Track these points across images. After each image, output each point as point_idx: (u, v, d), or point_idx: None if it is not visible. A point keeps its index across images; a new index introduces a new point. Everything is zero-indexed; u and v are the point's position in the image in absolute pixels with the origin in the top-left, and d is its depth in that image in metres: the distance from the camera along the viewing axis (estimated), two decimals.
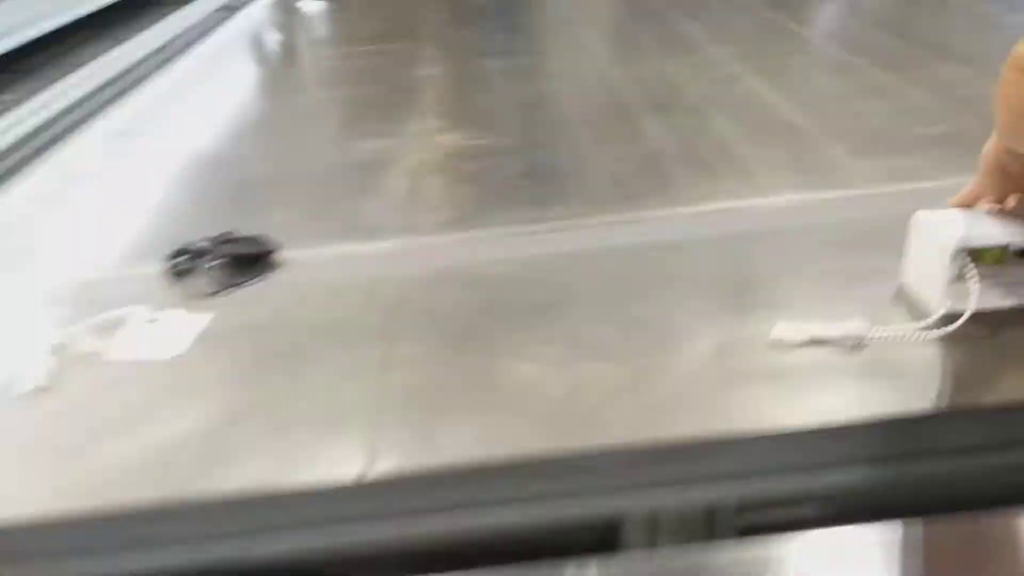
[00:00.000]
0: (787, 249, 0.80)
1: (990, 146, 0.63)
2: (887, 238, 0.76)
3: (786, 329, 0.65)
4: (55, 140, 1.27)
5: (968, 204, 0.68)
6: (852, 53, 1.48)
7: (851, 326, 0.64)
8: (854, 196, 0.92)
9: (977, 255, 0.64)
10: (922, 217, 0.68)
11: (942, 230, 0.65)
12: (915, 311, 0.67)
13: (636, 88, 1.37)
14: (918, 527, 0.57)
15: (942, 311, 0.65)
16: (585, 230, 0.88)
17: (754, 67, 1.41)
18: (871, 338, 0.64)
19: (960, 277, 0.65)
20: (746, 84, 1.34)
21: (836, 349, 0.63)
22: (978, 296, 0.63)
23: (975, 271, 0.64)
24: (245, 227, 0.85)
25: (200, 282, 0.79)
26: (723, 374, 0.62)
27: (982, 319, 0.63)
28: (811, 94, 1.28)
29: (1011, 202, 0.66)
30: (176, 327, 0.71)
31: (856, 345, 0.63)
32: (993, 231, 0.64)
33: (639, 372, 0.63)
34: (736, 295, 0.73)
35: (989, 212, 0.66)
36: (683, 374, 0.63)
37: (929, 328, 0.64)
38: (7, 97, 1.41)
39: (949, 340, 0.63)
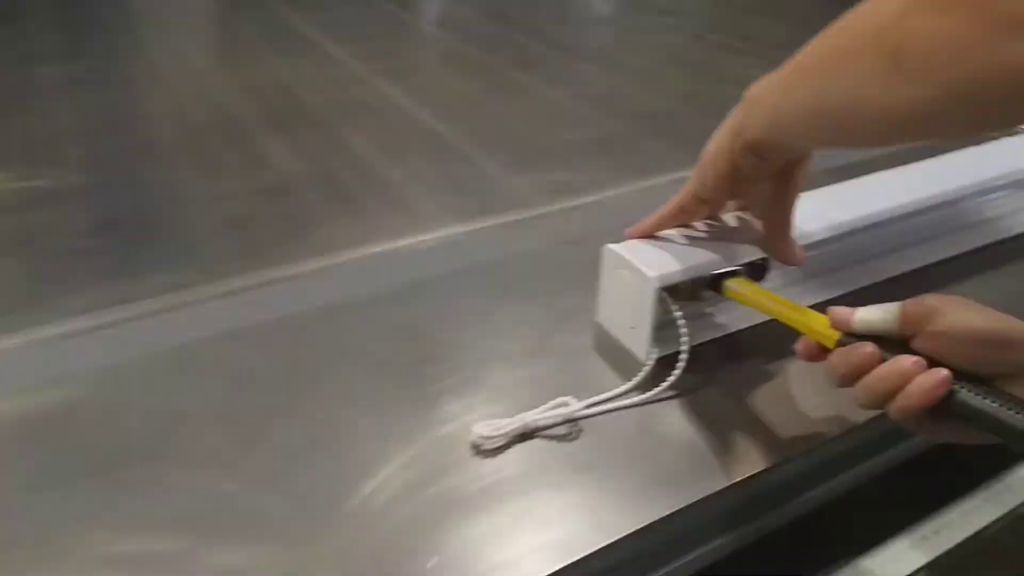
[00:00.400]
0: (463, 299, 0.64)
1: (721, 145, 0.52)
2: (567, 269, 0.67)
3: (486, 428, 0.50)
4: None
5: (661, 226, 0.59)
6: (482, 50, 1.39)
7: (558, 412, 0.52)
8: (522, 220, 0.79)
9: (673, 291, 0.55)
10: (614, 253, 0.58)
11: (638, 270, 0.55)
12: (619, 356, 0.58)
13: (247, 98, 1.12)
14: None
15: (651, 362, 0.56)
16: (195, 308, 0.63)
17: (382, 68, 1.25)
18: (583, 415, 0.53)
19: (662, 319, 0.56)
20: (377, 89, 1.16)
21: (550, 438, 0.50)
22: (687, 339, 0.55)
23: (679, 312, 0.55)
24: None
25: None
26: (419, 512, 0.44)
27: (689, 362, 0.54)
28: (450, 98, 1.15)
29: (700, 227, 0.60)
30: None
31: (570, 432, 0.51)
32: (688, 264, 0.55)
33: (301, 560, 0.42)
34: (414, 378, 0.55)
35: (675, 239, 0.58)
36: (362, 530, 0.43)
37: (644, 387, 0.55)
38: None
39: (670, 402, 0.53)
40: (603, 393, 0.53)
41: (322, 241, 0.74)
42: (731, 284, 0.56)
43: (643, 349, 0.56)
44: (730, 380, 0.56)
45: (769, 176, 0.54)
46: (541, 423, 0.51)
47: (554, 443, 0.50)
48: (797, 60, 0.45)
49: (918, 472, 0.62)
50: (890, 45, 0.37)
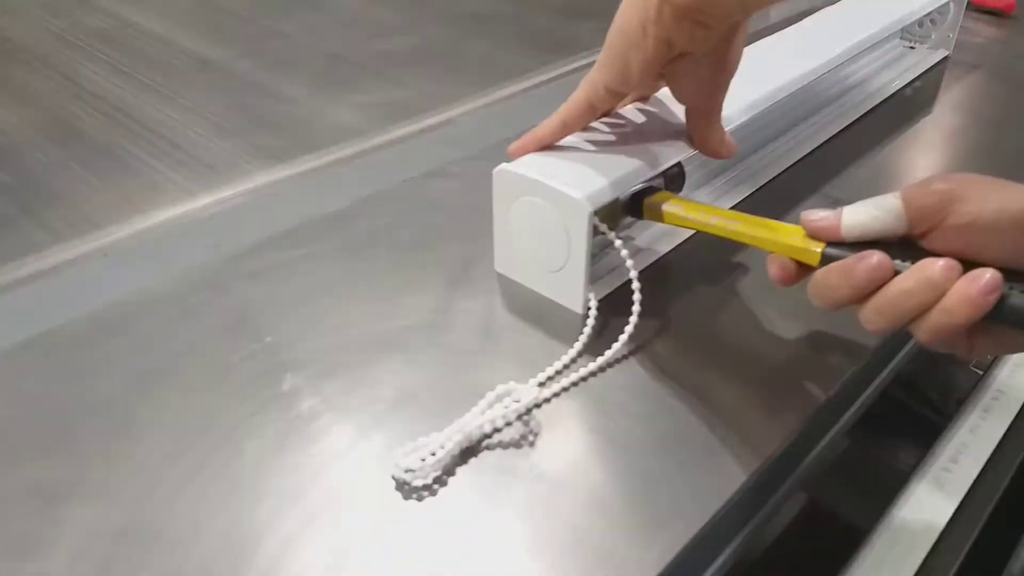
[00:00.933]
0: (307, 271, 0.45)
1: (645, 19, 0.38)
2: (436, 210, 0.52)
3: (411, 457, 0.34)
4: None
5: (564, 131, 0.44)
6: None
7: (505, 409, 0.36)
8: (355, 155, 0.60)
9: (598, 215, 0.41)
10: (513, 176, 0.42)
11: (557, 192, 0.40)
12: (542, 312, 0.43)
13: None
14: None
15: (592, 312, 0.42)
16: None
17: None
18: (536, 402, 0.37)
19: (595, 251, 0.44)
20: (114, 12, 0.89)
21: (503, 447, 0.34)
22: (635, 273, 0.41)
23: (617, 238, 0.42)
24: None
25: None
26: None
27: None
28: (213, 16, 0.90)
29: (601, 127, 0.46)
30: None
31: (526, 433, 0.36)
32: (613, 176, 0.41)
33: None
34: (272, 394, 0.37)
35: (578, 146, 0.44)
36: None
37: (592, 348, 0.40)
38: None
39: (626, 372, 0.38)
40: (545, 368, 0.38)
41: (75, 217, 0.51)
42: (665, 205, 0.43)
43: (578, 297, 0.42)
44: (685, 321, 0.42)
45: (708, 50, 0.40)
46: (486, 428, 0.35)
47: (511, 454, 0.34)
48: None
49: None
50: None
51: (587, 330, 0.40)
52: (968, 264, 0.31)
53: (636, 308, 0.40)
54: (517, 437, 0.35)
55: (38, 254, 0.48)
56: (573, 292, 0.42)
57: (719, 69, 0.41)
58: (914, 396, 0.60)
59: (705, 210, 0.41)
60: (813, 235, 0.35)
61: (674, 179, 0.47)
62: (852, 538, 0.42)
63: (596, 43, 0.81)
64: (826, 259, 0.35)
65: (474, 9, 0.92)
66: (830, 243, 0.35)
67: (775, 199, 0.53)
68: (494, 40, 0.82)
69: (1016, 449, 0.48)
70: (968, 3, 0.86)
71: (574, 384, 0.38)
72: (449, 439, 0.33)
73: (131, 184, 0.56)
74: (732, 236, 0.40)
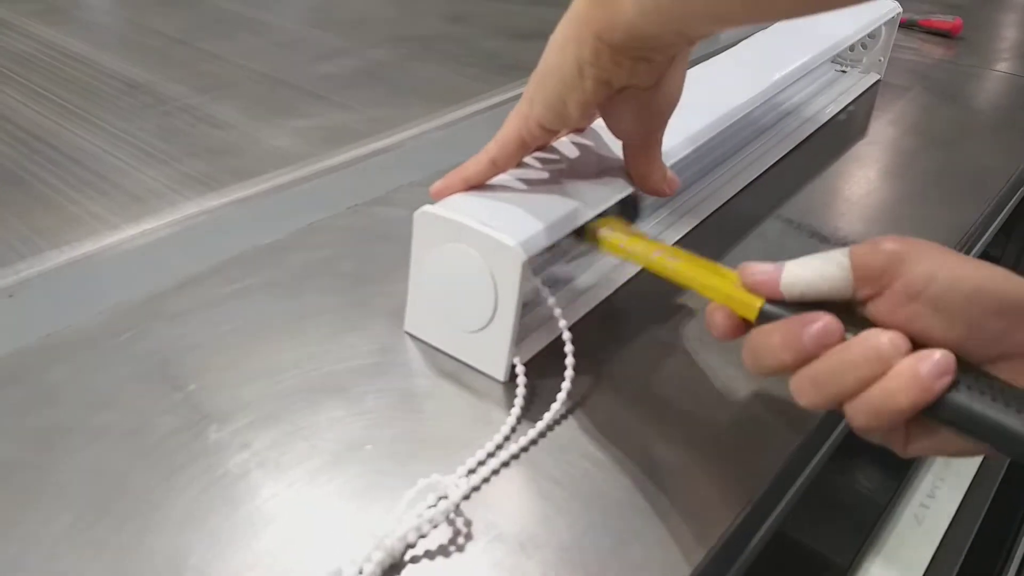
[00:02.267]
0: (231, 315, 0.41)
1: (580, 57, 0.35)
2: (384, 243, 0.47)
3: None
4: None
5: (495, 170, 0.40)
6: None
7: (433, 509, 0.30)
8: (292, 182, 0.56)
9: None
10: (435, 219, 0.37)
11: (488, 238, 0.35)
12: (455, 380, 0.38)
13: None
14: None
15: (521, 380, 0.37)
16: None
17: (35, 9, 0.91)
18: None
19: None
20: (31, 33, 0.84)
21: (431, 557, 0.30)
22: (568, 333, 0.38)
23: (550, 296, 0.38)
24: None
25: None
26: None
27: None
28: (140, 38, 0.85)
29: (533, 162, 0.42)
30: None
31: (456, 536, 0.31)
32: (549, 218, 0.37)
33: None
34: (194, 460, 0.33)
35: (507, 184, 0.40)
36: None
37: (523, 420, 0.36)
38: None
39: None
40: (470, 454, 0.33)
41: None
42: (603, 231, 0.39)
43: (501, 362, 0.37)
44: (626, 374, 0.39)
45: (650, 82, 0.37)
46: (410, 538, 0.30)
47: (444, 565, 0.30)
48: None
49: None
50: None
51: (517, 402, 0.36)
52: (913, 343, 0.28)
53: (569, 373, 0.37)
54: (446, 542, 0.30)
55: None
56: (497, 356, 0.37)
57: (659, 101, 0.38)
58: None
59: (646, 243, 0.38)
60: (751, 289, 0.32)
61: (626, 206, 0.44)
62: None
63: None
64: (764, 316, 0.31)
65: (420, 31, 0.89)
66: (770, 300, 0.31)
67: (719, 231, 0.51)
68: (441, 63, 0.79)
69: (991, 479, 0.47)
70: (916, 25, 0.86)
71: (505, 464, 0.34)
72: (368, 560, 0.28)
73: (43, 216, 0.51)
74: (671, 276, 0.36)
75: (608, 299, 0.44)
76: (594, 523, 0.31)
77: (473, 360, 0.38)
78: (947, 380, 0.27)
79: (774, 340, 0.30)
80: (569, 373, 0.37)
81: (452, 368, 0.38)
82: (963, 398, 0.27)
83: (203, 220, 0.51)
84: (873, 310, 0.29)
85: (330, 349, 0.39)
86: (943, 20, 0.85)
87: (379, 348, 0.39)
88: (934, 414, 0.27)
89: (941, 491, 0.44)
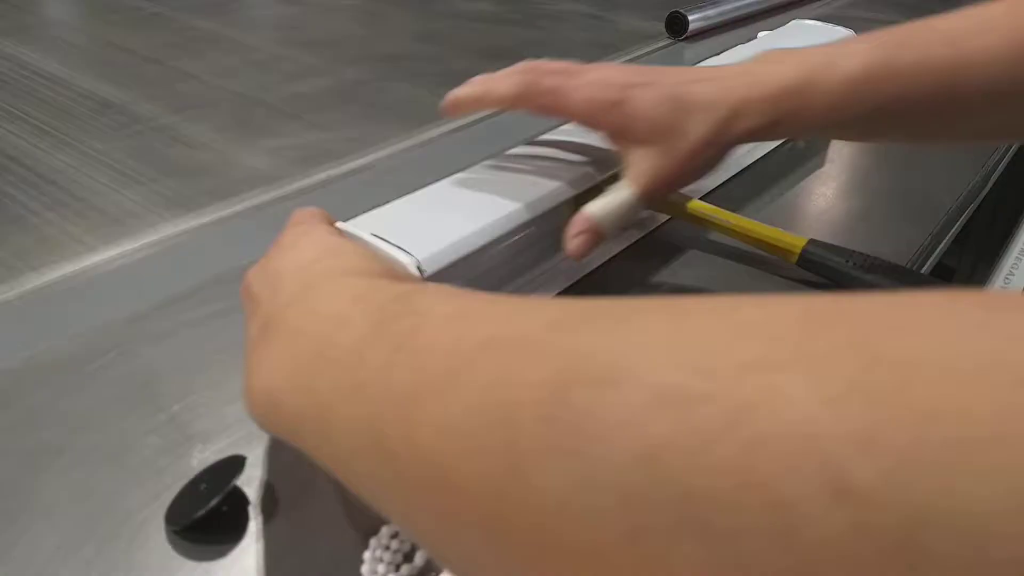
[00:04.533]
0: (215, 334, 0.42)
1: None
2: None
3: None
4: None
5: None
6: None
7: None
8: (270, 202, 0.57)
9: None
10: (349, 234, 0.38)
11: (387, 254, 0.37)
12: None
13: None
14: None
15: None
16: None
17: (5, 25, 0.91)
18: None
19: None
20: (2, 51, 0.83)
21: None
22: None
23: None
24: None
25: None
26: None
27: None
28: (114, 56, 0.86)
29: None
30: None
31: None
32: (464, 233, 0.39)
33: None
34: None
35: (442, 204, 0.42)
36: None
37: None
38: None
39: None
40: None
41: None
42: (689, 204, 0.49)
43: None
44: None
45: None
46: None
47: None
48: None
49: None
50: None
51: None
52: None
53: None
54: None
55: None
56: None
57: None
58: None
59: (712, 211, 0.49)
60: (583, 250, 0.39)
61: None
62: None
63: None
64: (805, 257, 0.47)
65: (391, 51, 0.90)
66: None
67: (664, 245, 0.53)
68: (413, 82, 0.80)
69: None
70: None
71: None
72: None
73: (20, 238, 0.51)
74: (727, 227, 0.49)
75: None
76: None
77: None
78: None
79: None
80: None
81: None
82: None
83: (182, 241, 0.52)
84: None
85: None
86: None
87: None
88: None
89: None
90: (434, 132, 0.68)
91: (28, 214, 0.54)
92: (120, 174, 0.60)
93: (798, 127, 0.38)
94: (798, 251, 0.47)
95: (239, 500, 0.33)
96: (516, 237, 0.40)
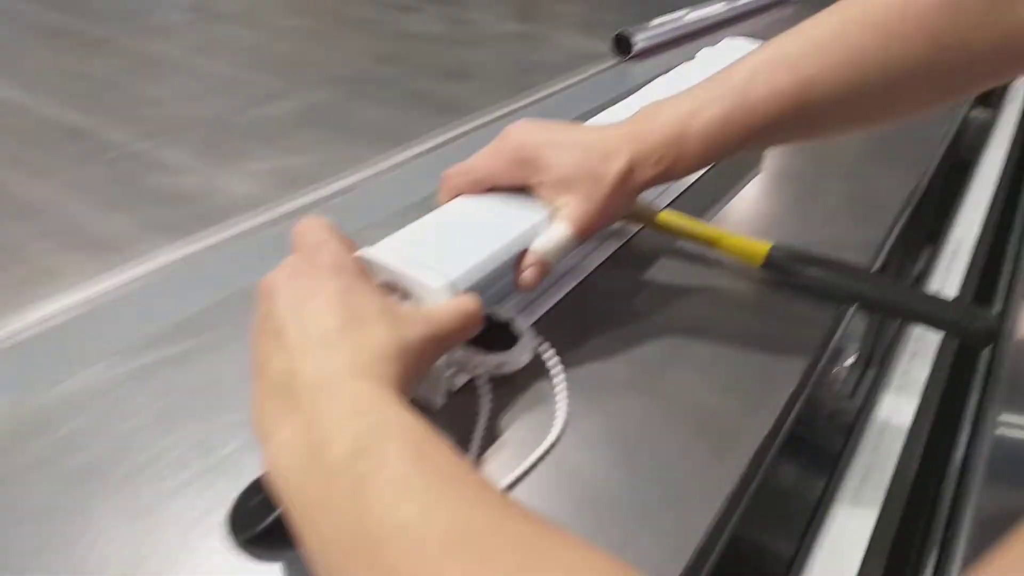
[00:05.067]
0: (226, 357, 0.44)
1: None
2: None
3: None
4: None
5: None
6: (83, 18, 1.07)
7: None
8: (258, 227, 0.59)
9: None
10: (373, 263, 0.40)
11: (414, 279, 0.39)
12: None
13: None
14: None
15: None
16: None
17: None
18: None
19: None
20: None
21: None
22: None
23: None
24: None
25: None
26: None
27: None
28: (70, 82, 0.85)
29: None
30: None
31: None
32: (487, 253, 0.42)
33: None
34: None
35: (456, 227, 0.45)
36: None
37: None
38: None
39: None
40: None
41: None
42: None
43: (440, 388, 0.41)
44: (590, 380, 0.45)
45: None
46: None
47: None
48: None
49: None
50: None
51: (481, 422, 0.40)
52: None
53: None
54: None
55: None
56: (431, 385, 0.41)
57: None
58: (808, 430, 0.66)
59: (682, 220, 0.54)
60: (533, 283, 0.44)
61: None
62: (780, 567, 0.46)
63: (480, 105, 0.84)
64: (769, 260, 0.51)
65: (351, 73, 0.92)
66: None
67: (645, 248, 0.57)
68: (377, 104, 0.83)
69: (910, 463, 0.54)
70: None
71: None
72: None
73: (16, 269, 0.52)
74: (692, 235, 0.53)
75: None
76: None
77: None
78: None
79: None
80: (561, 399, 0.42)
81: None
82: None
83: (182, 267, 0.53)
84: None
85: None
86: None
87: None
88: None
89: (870, 479, 0.51)
90: (408, 153, 0.71)
91: (19, 245, 0.55)
92: (105, 202, 0.61)
93: (683, 169, 0.45)
94: (763, 255, 0.52)
95: None
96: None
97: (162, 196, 0.62)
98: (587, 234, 0.46)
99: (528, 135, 0.46)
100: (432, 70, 0.93)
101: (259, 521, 0.33)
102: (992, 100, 1.06)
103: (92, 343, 0.45)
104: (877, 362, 0.73)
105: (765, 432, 0.41)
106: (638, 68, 0.95)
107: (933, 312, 0.47)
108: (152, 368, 0.43)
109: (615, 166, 0.45)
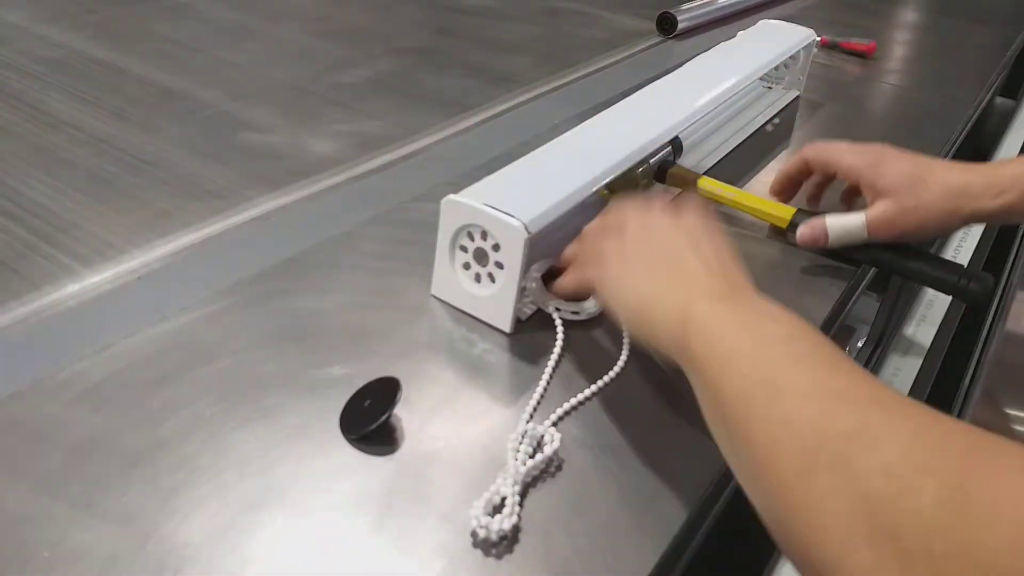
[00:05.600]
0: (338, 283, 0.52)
1: None
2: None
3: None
4: None
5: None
6: None
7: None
8: (344, 183, 0.66)
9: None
10: (459, 203, 0.48)
11: (495, 218, 0.47)
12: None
13: None
14: None
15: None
16: None
17: (50, 15, 0.97)
18: None
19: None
20: (60, 44, 0.90)
21: None
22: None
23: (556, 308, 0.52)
24: None
25: None
26: None
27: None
28: (161, 46, 0.93)
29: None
30: None
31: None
32: (556, 199, 0.50)
33: None
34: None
35: (534, 173, 0.54)
36: None
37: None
38: None
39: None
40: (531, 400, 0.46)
41: (97, 243, 0.55)
42: (697, 181, 0.62)
43: (507, 316, 0.49)
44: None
45: None
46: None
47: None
48: None
49: None
50: None
51: (556, 350, 0.48)
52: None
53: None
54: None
55: (73, 282, 0.52)
56: (504, 312, 0.49)
57: None
58: None
59: (718, 186, 0.62)
60: (806, 245, 0.56)
61: (677, 148, 0.63)
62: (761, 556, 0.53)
63: (533, 77, 0.90)
64: (792, 224, 0.59)
65: (413, 44, 0.99)
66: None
67: None
68: (440, 73, 0.90)
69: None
70: (836, 46, 1.02)
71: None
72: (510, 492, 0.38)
73: (135, 214, 0.60)
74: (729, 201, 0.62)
75: None
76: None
77: (485, 316, 0.50)
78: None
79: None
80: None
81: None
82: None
83: (278, 215, 0.61)
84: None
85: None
86: (860, 43, 1.01)
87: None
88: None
89: None
90: (471, 120, 0.78)
91: (137, 191, 0.63)
92: (203, 155, 0.69)
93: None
94: (788, 218, 0.59)
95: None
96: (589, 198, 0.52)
97: (255, 152, 0.70)
98: (881, 232, 0.52)
99: (899, 152, 0.54)
100: (486, 44, 1.00)
101: (371, 422, 0.41)
102: (1016, 90, 1.11)
103: (208, 277, 0.53)
104: (886, 342, 0.80)
105: None
106: (679, 47, 1.01)
107: (935, 273, 0.54)
108: (263, 297, 0.51)
109: (941, 178, 0.50)
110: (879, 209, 0.52)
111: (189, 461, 0.39)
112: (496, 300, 0.49)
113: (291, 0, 1.14)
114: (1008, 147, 0.95)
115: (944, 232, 0.55)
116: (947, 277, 0.54)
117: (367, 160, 0.69)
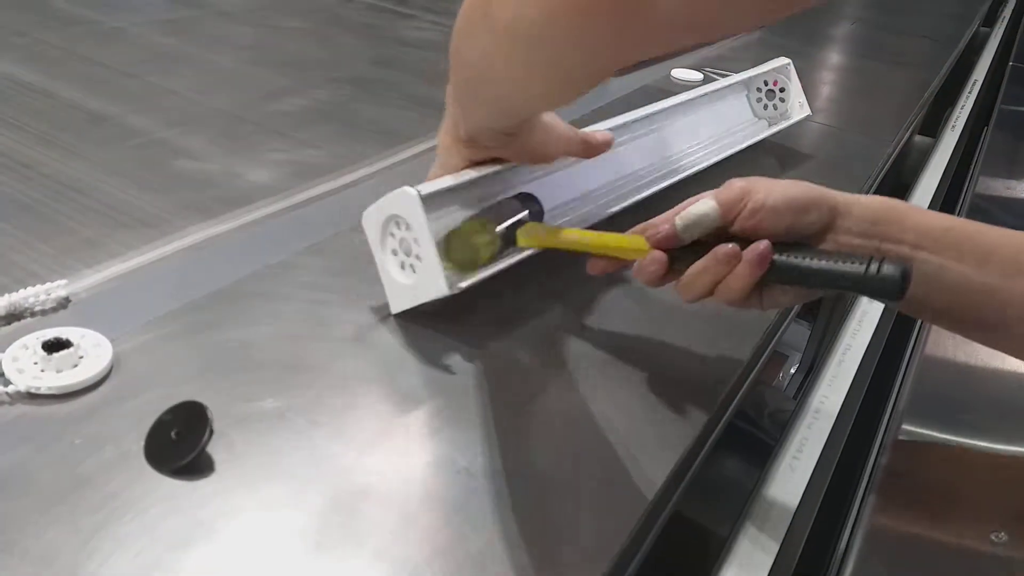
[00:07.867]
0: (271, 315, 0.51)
1: (447, 144, 0.54)
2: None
3: None
4: None
5: None
6: (94, 9, 1.12)
7: None
8: (281, 211, 0.66)
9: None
10: (371, 209, 0.52)
11: (391, 196, 0.51)
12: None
13: None
14: None
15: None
16: None
17: None
18: None
19: None
20: None
21: None
22: None
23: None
24: None
25: None
26: None
27: None
28: (93, 72, 0.91)
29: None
30: None
31: None
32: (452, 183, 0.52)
33: None
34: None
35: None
36: None
37: None
38: None
39: None
40: None
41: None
42: (522, 233, 0.53)
43: (440, 280, 0.49)
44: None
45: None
46: None
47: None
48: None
49: None
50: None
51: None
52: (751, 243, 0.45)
53: None
54: None
55: None
56: (436, 279, 0.49)
57: (533, 146, 0.53)
58: (749, 423, 0.75)
59: (562, 232, 0.52)
60: (657, 244, 0.48)
61: (535, 214, 0.58)
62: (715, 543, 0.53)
63: None
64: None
65: (353, 74, 0.99)
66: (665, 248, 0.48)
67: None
68: (379, 104, 0.90)
69: (833, 453, 0.62)
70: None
71: None
72: None
73: (63, 239, 0.58)
74: (587, 249, 0.52)
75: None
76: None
77: (427, 295, 0.50)
78: (768, 259, 0.45)
79: (701, 273, 0.46)
80: None
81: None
82: (782, 262, 0.45)
83: (211, 244, 0.60)
84: (736, 228, 0.47)
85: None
86: None
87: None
88: (772, 277, 0.45)
89: (807, 445, 0.59)
90: (409, 151, 0.78)
91: (62, 219, 0.61)
92: (134, 182, 0.67)
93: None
94: (646, 247, 0.49)
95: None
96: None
97: (188, 180, 0.69)
98: (732, 209, 0.47)
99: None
100: (427, 76, 1.00)
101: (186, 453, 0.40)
102: (934, 129, 1.17)
103: (136, 308, 0.51)
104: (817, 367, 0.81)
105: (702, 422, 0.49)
106: (615, 82, 1.04)
107: (844, 271, 0.46)
108: (193, 329, 0.50)
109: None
110: (726, 188, 0.47)
111: (113, 498, 0.38)
112: (425, 271, 0.50)
113: (228, 27, 1.13)
114: (926, 183, 1.00)
115: (806, 208, 0.46)
116: (855, 273, 0.45)
117: (304, 189, 0.69)
